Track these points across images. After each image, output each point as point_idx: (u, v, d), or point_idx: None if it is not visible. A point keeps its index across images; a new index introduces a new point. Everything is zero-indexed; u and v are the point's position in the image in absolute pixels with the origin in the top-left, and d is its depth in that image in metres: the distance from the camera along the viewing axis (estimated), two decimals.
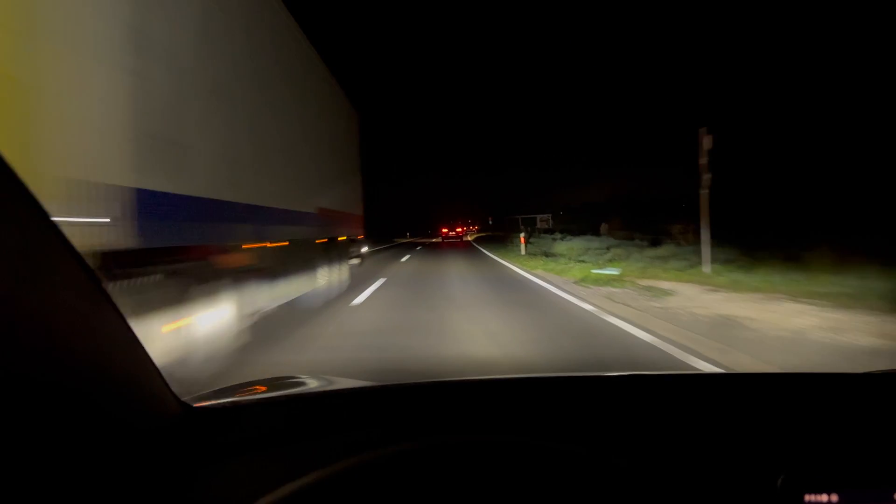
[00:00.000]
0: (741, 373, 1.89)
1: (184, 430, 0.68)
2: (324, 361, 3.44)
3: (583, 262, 11.41)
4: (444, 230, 40.94)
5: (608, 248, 13.71)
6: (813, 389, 0.90)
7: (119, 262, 2.14)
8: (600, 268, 9.59)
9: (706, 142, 8.43)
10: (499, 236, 33.79)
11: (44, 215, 0.46)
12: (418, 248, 18.66)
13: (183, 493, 0.59)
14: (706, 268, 8.21)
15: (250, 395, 0.88)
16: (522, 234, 17.54)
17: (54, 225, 0.46)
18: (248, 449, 0.69)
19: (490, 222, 46.03)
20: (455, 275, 9.43)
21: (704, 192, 8.57)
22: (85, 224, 1.95)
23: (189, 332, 2.73)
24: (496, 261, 13.28)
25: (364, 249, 8.69)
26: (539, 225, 45.22)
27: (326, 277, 5.78)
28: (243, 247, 3.57)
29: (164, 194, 2.52)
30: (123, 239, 2.15)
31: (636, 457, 0.65)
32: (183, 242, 2.73)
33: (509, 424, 0.76)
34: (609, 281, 7.64)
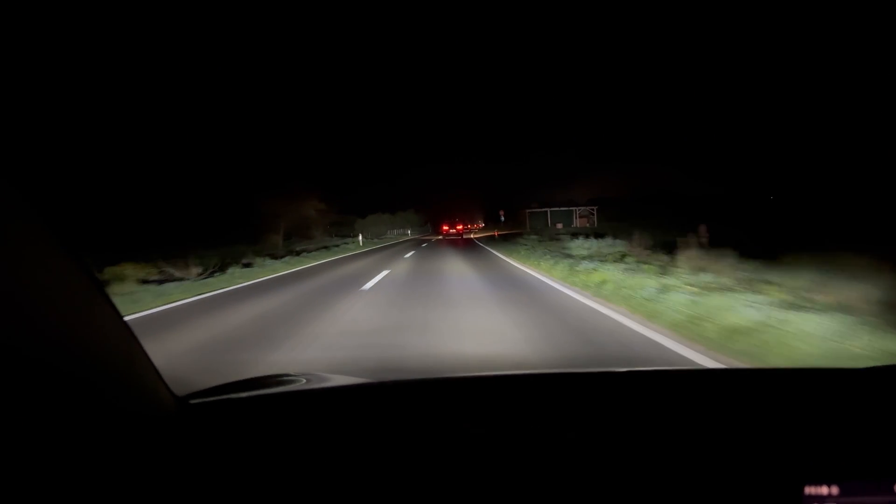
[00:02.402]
0: (742, 368, 1.87)
1: (178, 424, 0.71)
2: None
3: None
4: (445, 228, 43.01)
5: None
6: (812, 383, 0.90)
7: None
8: None
9: None
10: (506, 235, 27.28)
11: (36, 214, 0.47)
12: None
13: (176, 484, 0.61)
14: None
15: (245, 391, 0.91)
16: None
17: (48, 223, 0.48)
18: (241, 443, 0.72)
19: (502, 218, 45.23)
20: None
21: None
22: None
23: None
24: None
25: None
26: (577, 223, 39.27)
27: None
28: None
29: None
30: None
31: (636, 449, 0.66)
32: None
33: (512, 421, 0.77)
34: None
